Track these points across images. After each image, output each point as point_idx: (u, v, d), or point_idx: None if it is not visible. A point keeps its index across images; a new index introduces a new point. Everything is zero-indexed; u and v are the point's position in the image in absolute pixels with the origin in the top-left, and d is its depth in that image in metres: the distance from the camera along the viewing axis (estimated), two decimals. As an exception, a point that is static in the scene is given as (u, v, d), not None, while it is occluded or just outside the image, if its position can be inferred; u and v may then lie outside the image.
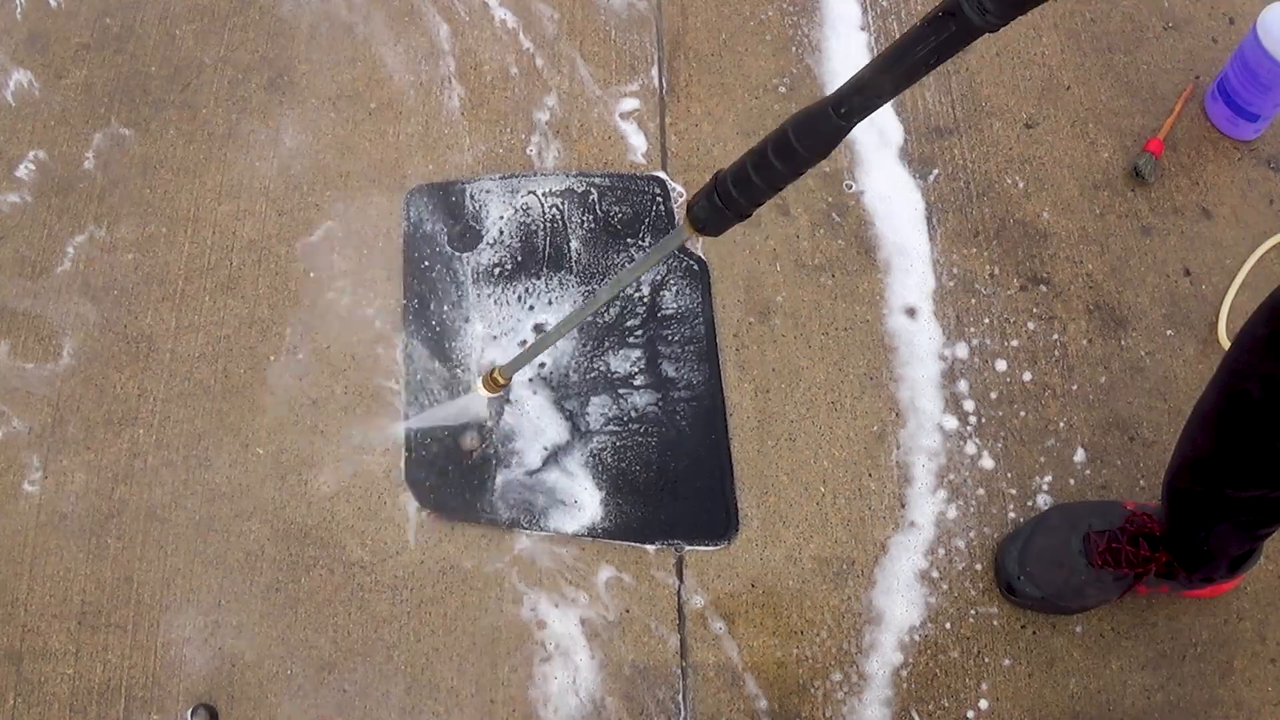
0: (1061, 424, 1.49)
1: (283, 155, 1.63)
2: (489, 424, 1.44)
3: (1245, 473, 1.11)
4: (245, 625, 1.34)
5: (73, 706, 1.30)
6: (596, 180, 1.62)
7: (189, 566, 1.37)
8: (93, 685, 1.31)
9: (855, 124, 0.86)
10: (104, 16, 1.72)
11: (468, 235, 1.58)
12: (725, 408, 1.48)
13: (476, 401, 1.43)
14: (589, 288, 1.54)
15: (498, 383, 1.34)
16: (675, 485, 1.43)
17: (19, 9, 1.73)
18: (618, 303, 1.53)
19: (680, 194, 1.61)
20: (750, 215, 0.96)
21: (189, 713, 1.30)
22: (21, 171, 1.61)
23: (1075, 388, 1.51)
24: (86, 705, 1.30)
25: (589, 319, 1.51)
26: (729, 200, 0.94)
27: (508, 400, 1.44)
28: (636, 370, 1.49)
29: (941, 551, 1.41)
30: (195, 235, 1.56)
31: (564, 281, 1.55)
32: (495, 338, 1.51)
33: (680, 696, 1.33)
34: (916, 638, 1.37)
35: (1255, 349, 1.06)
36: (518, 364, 1.32)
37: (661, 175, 1.62)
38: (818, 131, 0.87)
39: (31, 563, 1.37)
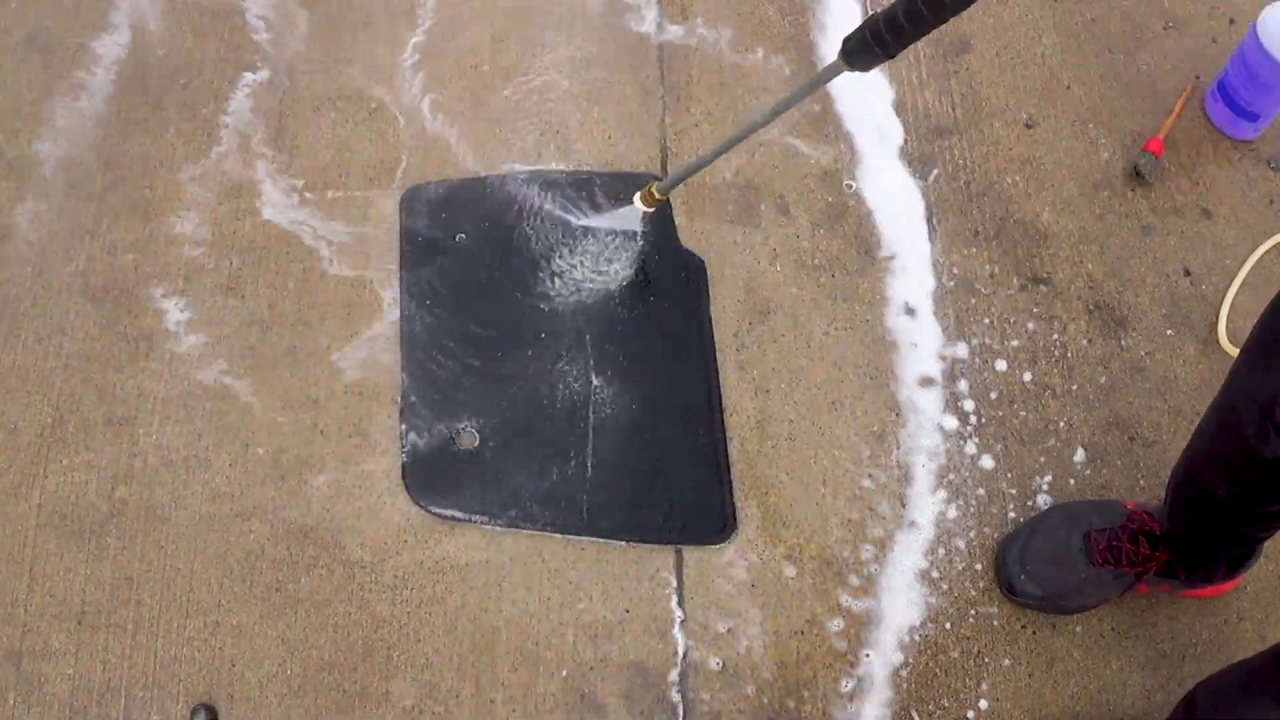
0: (1061, 424, 1.49)
1: (283, 155, 1.63)
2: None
3: (1239, 481, 1.12)
4: (245, 625, 1.34)
5: (73, 706, 1.30)
6: (595, 179, 1.62)
7: (189, 566, 1.37)
8: (93, 685, 1.31)
9: None
10: (104, 16, 1.72)
11: (467, 232, 1.58)
12: (722, 406, 1.48)
13: (633, 213, 1.50)
14: (585, 286, 1.54)
15: (654, 198, 1.44)
16: (673, 485, 1.43)
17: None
18: (614, 300, 1.53)
19: (680, 194, 1.61)
20: (895, 56, 1.09)
21: (189, 713, 1.30)
22: (21, 169, 1.60)
23: (1075, 388, 1.51)
24: (86, 705, 1.30)
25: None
26: (880, 40, 1.07)
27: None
28: (633, 370, 1.49)
29: (941, 551, 1.41)
30: (196, 235, 1.56)
31: (559, 279, 1.55)
32: (493, 329, 1.51)
33: (680, 696, 1.33)
34: (916, 638, 1.37)
35: (1240, 364, 1.08)
36: (674, 181, 1.42)
37: (656, 174, 1.62)
38: None
39: (31, 563, 1.37)
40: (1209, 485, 1.16)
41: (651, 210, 1.48)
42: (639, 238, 1.55)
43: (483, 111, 1.67)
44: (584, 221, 1.57)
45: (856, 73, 1.14)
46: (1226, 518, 1.18)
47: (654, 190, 1.44)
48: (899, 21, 1.05)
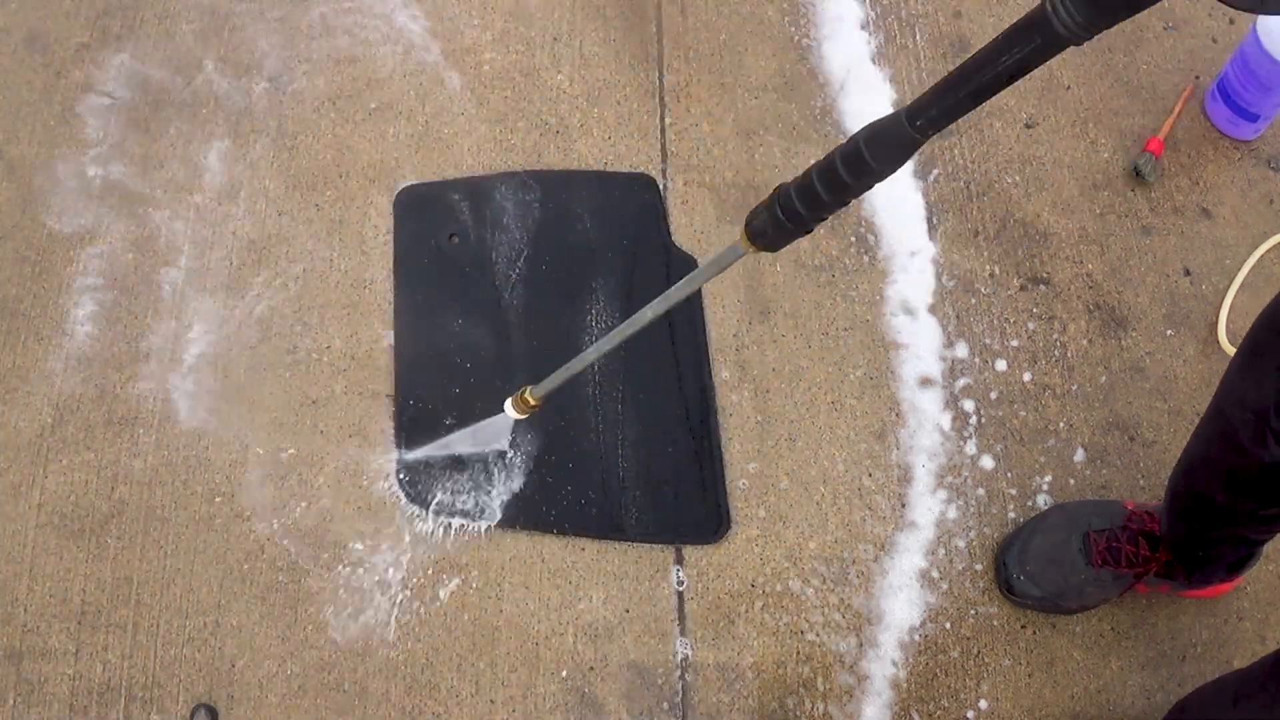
0: (1061, 424, 1.49)
1: (282, 155, 1.62)
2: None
3: (1237, 486, 1.13)
4: (245, 625, 1.34)
5: (73, 706, 1.30)
6: (594, 179, 1.62)
7: (189, 566, 1.37)
8: (93, 685, 1.31)
9: (930, 138, 0.80)
10: (104, 16, 1.72)
11: (460, 233, 1.58)
12: (716, 405, 1.47)
13: (504, 423, 1.34)
14: (582, 286, 1.54)
15: (529, 403, 1.26)
16: (668, 484, 1.43)
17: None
18: (608, 299, 1.53)
19: (680, 194, 1.61)
20: (812, 230, 0.90)
21: (189, 713, 1.30)
22: (22, 171, 1.60)
23: (1075, 388, 1.51)
24: (86, 705, 1.30)
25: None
26: (792, 214, 0.88)
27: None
28: (628, 370, 1.49)
29: (941, 551, 1.41)
30: (195, 235, 1.56)
31: (557, 279, 1.55)
32: (486, 331, 1.51)
33: (680, 696, 1.33)
34: (916, 638, 1.37)
35: (1233, 370, 1.09)
36: (550, 384, 1.23)
37: (655, 174, 1.62)
38: (891, 144, 0.81)
39: (31, 563, 1.37)
40: (1207, 491, 1.16)
41: (524, 418, 1.30)
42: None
43: (482, 111, 1.67)
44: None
45: (766, 252, 0.95)
46: (1226, 522, 1.18)
47: (528, 395, 1.25)
48: (813, 190, 0.86)
